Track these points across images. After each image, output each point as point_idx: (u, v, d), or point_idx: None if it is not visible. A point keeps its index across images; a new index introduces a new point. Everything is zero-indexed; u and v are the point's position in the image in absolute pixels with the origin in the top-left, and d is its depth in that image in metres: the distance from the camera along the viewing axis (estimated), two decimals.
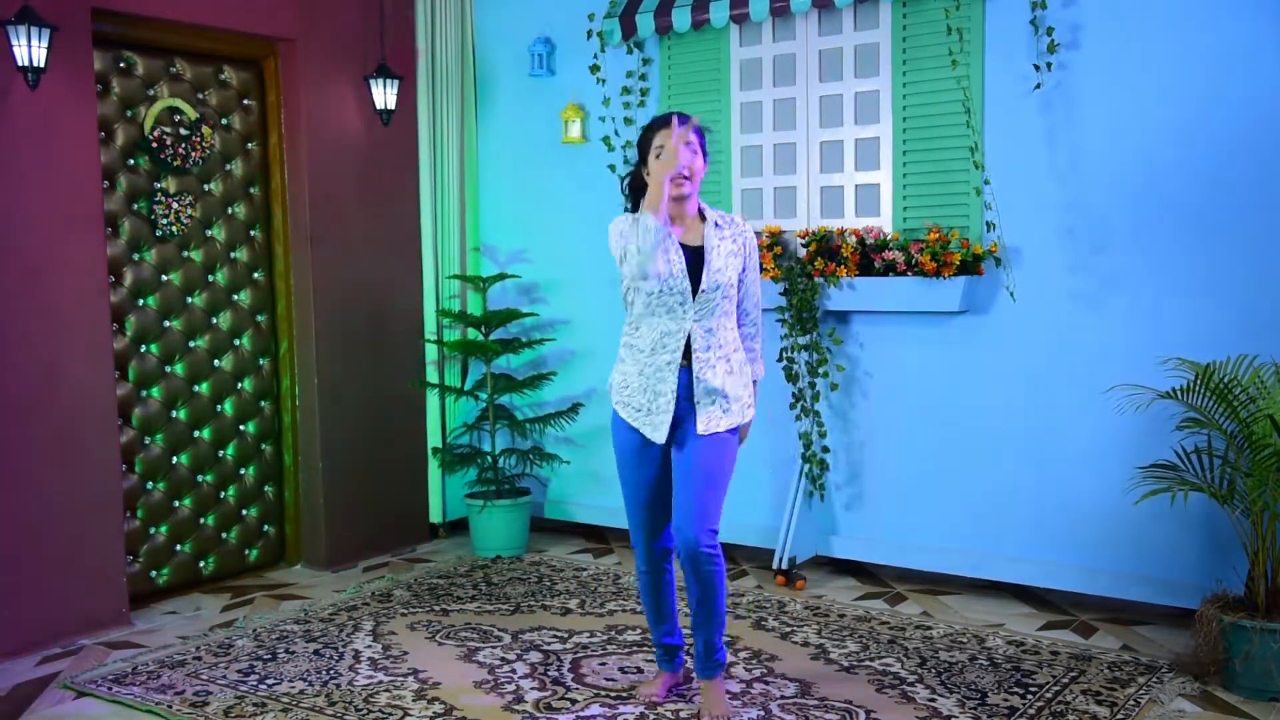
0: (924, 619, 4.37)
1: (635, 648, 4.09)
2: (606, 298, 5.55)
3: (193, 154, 4.86)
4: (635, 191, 3.47)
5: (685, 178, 3.30)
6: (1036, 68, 4.35)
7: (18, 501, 4.16)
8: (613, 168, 5.37)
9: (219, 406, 5.07)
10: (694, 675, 3.62)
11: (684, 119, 3.29)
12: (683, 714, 3.48)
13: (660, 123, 3.36)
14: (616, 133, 5.37)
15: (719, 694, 3.47)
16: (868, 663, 3.89)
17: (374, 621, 4.43)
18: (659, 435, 3.37)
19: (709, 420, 3.35)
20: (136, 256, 4.75)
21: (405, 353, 5.64)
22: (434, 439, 5.71)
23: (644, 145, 3.38)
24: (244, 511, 5.19)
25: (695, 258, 3.34)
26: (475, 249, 5.92)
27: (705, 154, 3.39)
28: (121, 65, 4.68)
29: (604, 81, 5.38)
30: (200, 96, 4.96)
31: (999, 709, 3.48)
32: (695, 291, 3.32)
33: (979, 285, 4.53)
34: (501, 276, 5.56)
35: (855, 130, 4.82)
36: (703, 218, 3.42)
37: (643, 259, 3.22)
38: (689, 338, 3.33)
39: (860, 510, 4.93)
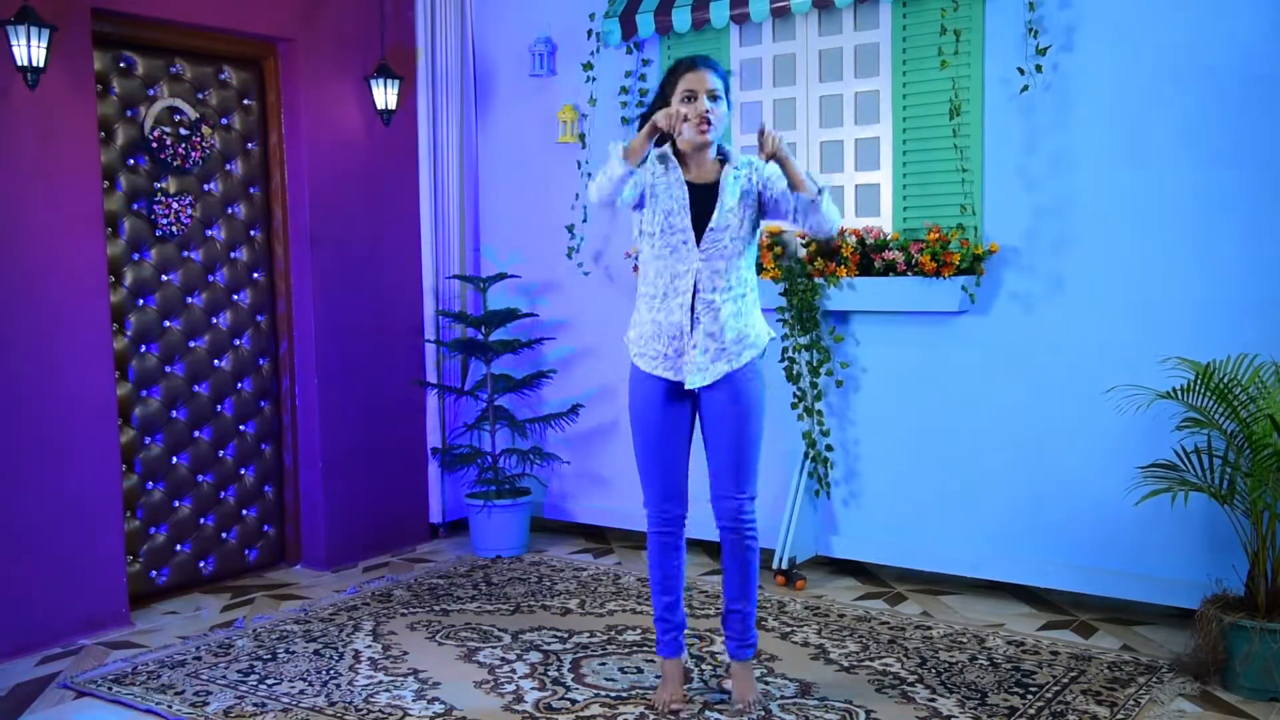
0: (924, 619, 4.37)
1: (635, 648, 4.09)
2: (606, 297, 5.55)
3: (193, 154, 4.86)
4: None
5: (708, 122, 3.29)
6: (1021, 71, 4.35)
7: (18, 501, 4.16)
8: (580, 164, 5.41)
9: (219, 407, 5.07)
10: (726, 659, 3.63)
11: (709, 63, 3.33)
12: (683, 714, 3.48)
13: (686, 65, 3.34)
14: (619, 110, 5.38)
15: (751, 677, 3.53)
16: (868, 663, 3.89)
17: (374, 621, 4.43)
18: (692, 379, 3.33)
19: (693, 374, 3.33)
20: (136, 256, 4.75)
21: (405, 353, 5.64)
22: (434, 439, 5.71)
23: (668, 86, 3.36)
24: (244, 512, 5.19)
25: (708, 196, 3.34)
26: (475, 249, 5.92)
27: (729, 99, 3.39)
28: (121, 65, 4.68)
29: (593, 80, 5.39)
30: (200, 96, 4.96)
31: (999, 709, 3.48)
32: (702, 231, 3.31)
33: (979, 285, 4.52)
34: (501, 276, 5.56)
35: (855, 130, 4.81)
36: (724, 162, 3.40)
37: (601, 182, 3.25)
38: (696, 278, 3.31)
39: (860, 510, 4.93)
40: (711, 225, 3.31)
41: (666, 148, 3.40)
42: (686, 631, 3.72)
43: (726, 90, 3.38)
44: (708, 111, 3.29)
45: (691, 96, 3.31)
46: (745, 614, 3.48)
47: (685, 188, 3.34)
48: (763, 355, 3.45)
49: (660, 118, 3.23)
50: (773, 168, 3.37)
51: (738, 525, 3.40)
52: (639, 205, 3.38)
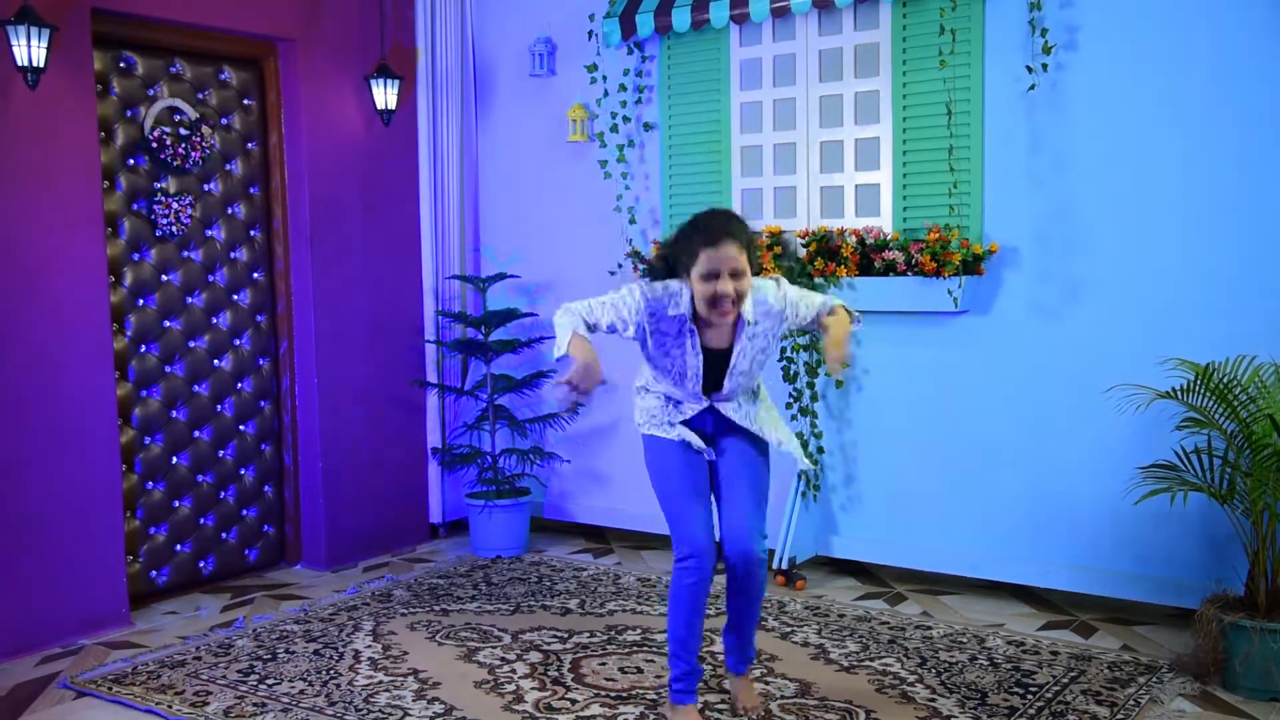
0: (924, 619, 4.37)
1: (635, 648, 4.09)
2: None
3: (193, 154, 4.86)
4: (658, 272, 3.32)
5: (732, 301, 3.13)
6: (1029, 69, 4.35)
7: (17, 501, 4.16)
8: (603, 163, 5.38)
9: (219, 407, 5.07)
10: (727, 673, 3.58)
11: (729, 231, 3.10)
12: None
13: (704, 239, 3.11)
14: (614, 129, 5.37)
15: (751, 687, 3.54)
16: (868, 663, 3.89)
17: (374, 621, 4.43)
18: (704, 452, 3.37)
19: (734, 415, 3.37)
20: (136, 256, 4.75)
21: (405, 353, 5.64)
22: (434, 439, 5.71)
23: (685, 251, 3.16)
24: (244, 512, 5.19)
25: (722, 358, 3.28)
26: (475, 249, 5.92)
27: (753, 258, 3.18)
28: (121, 65, 4.68)
29: (602, 79, 5.38)
30: (200, 96, 4.96)
31: (999, 709, 3.48)
32: (714, 387, 3.30)
33: (979, 285, 4.53)
34: (501, 276, 5.56)
35: (855, 130, 4.81)
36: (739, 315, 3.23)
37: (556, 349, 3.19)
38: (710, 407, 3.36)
39: (860, 510, 4.92)
40: (724, 391, 3.30)
41: (685, 303, 3.20)
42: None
43: (750, 250, 3.16)
44: (728, 296, 3.11)
45: (713, 275, 3.10)
46: (748, 633, 3.46)
47: (700, 356, 3.24)
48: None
49: (576, 377, 3.04)
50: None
51: (750, 563, 3.28)
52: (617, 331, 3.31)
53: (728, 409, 3.36)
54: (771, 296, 3.26)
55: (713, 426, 3.40)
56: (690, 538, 3.23)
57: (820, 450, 4.91)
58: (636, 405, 3.47)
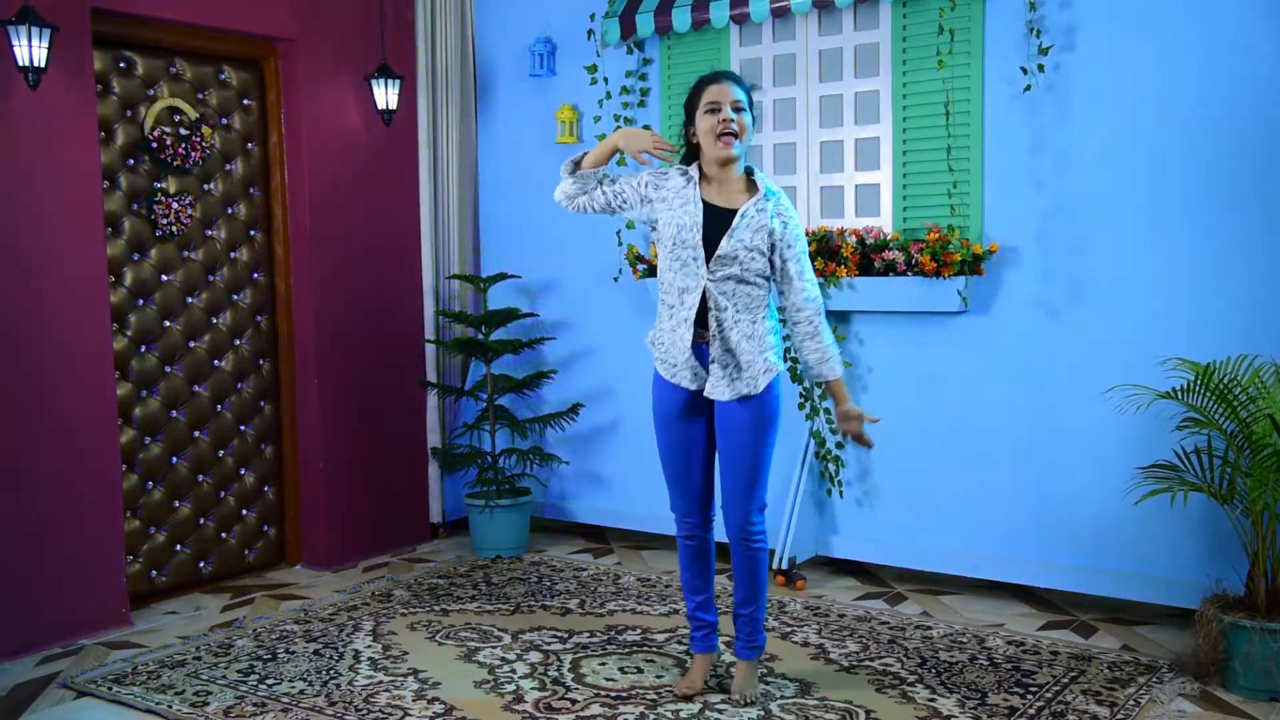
0: (924, 619, 4.37)
1: (635, 648, 4.09)
2: (606, 297, 5.55)
3: (193, 154, 4.86)
4: (689, 149, 3.52)
5: (733, 134, 3.32)
6: (1025, 70, 4.35)
7: (17, 501, 4.16)
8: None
9: (218, 407, 5.07)
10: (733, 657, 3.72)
11: (732, 76, 3.41)
12: (683, 714, 3.48)
13: (709, 79, 3.41)
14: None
15: (754, 675, 3.61)
16: (868, 663, 3.89)
17: (374, 621, 4.43)
18: (711, 390, 3.37)
19: (714, 387, 3.37)
20: (136, 256, 4.75)
21: (405, 353, 5.64)
22: (434, 439, 5.71)
23: (692, 102, 3.42)
24: (244, 512, 5.19)
25: (725, 220, 3.35)
26: (475, 249, 5.92)
27: (752, 114, 3.43)
28: (121, 65, 4.68)
29: (602, 80, 5.38)
30: (200, 96, 4.96)
31: (999, 709, 3.48)
32: (712, 252, 3.33)
33: (979, 285, 4.53)
34: (501, 276, 5.55)
35: (855, 130, 4.81)
36: (753, 189, 3.42)
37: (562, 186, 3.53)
38: (705, 295, 3.34)
39: (860, 510, 4.92)
40: (720, 252, 3.33)
41: (693, 167, 3.46)
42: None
43: (750, 105, 3.41)
44: (731, 121, 3.32)
45: (715, 108, 3.35)
46: (752, 618, 3.56)
47: (701, 206, 3.37)
48: (779, 378, 3.46)
49: (618, 137, 3.45)
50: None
51: (745, 535, 3.49)
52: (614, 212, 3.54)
53: (719, 332, 3.33)
54: (786, 205, 3.42)
55: (704, 356, 3.40)
56: (679, 505, 3.57)
57: (839, 445, 4.90)
58: (650, 333, 3.52)
